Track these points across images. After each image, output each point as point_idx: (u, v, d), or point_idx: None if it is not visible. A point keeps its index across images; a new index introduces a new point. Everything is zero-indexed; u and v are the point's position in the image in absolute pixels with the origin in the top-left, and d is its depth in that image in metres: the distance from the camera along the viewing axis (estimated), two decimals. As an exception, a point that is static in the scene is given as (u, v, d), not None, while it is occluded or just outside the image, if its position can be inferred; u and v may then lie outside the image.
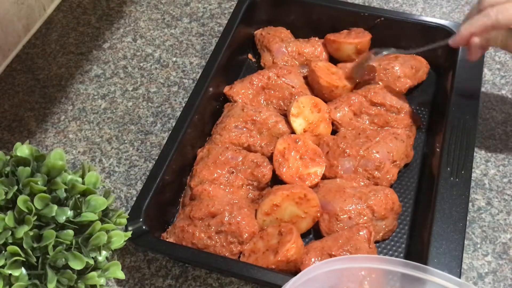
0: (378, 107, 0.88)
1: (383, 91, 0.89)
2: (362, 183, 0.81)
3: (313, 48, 0.96)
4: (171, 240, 0.77)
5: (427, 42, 0.87)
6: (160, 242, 0.74)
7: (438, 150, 0.80)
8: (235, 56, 0.98)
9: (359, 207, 0.76)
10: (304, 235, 0.79)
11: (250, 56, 1.03)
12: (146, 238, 0.72)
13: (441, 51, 0.93)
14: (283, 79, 0.91)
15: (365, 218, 0.76)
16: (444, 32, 0.91)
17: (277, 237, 0.73)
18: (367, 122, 0.88)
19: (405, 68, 0.92)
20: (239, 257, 0.75)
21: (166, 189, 0.79)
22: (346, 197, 0.77)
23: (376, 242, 0.78)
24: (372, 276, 0.62)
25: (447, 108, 0.83)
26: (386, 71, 0.92)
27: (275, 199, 0.77)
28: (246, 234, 0.74)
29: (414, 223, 0.80)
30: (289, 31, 1.01)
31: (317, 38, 0.99)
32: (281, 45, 0.97)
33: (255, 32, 1.02)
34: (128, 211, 0.76)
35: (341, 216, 0.76)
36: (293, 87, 0.91)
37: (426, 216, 0.75)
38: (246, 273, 0.69)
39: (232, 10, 1.10)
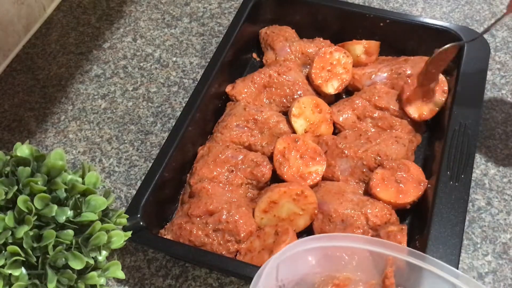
0: (382, 111, 0.88)
1: (388, 95, 0.88)
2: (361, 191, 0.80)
3: (317, 48, 0.96)
4: (168, 237, 0.77)
5: (433, 45, 0.87)
6: (157, 239, 0.74)
7: (438, 153, 0.80)
8: (239, 55, 0.98)
9: (352, 212, 0.76)
10: (298, 236, 0.79)
11: (254, 55, 1.03)
12: (143, 234, 0.73)
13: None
14: (284, 76, 0.91)
15: (358, 223, 0.75)
16: (450, 35, 0.91)
17: (273, 236, 0.73)
18: (371, 125, 0.87)
19: (416, 71, 0.89)
20: (235, 255, 0.75)
21: (165, 186, 0.79)
22: (343, 200, 0.77)
23: None
24: (356, 258, 0.64)
25: (449, 111, 0.82)
26: (398, 75, 0.90)
27: (272, 196, 0.77)
28: (244, 233, 0.75)
29: (412, 226, 0.79)
30: (294, 30, 1.01)
31: (321, 39, 0.99)
32: (285, 44, 0.97)
33: (260, 31, 1.02)
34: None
35: (334, 217, 0.76)
36: (294, 83, 0.91)
37: (424, 220, 0.74)
38: (242, 272, 0.69)
39: (232, 10, 1.10)
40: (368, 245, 0.63)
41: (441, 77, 0.88)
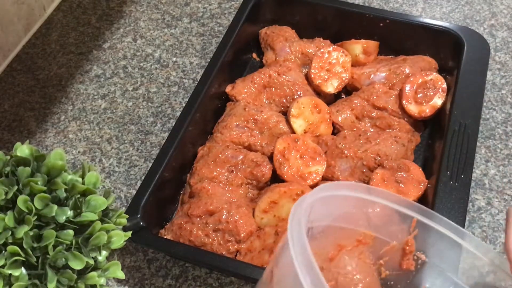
0: (381, 111, 0.88)
1: (387, 95, 0.88)
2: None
3: (317, 48, 0.96)
4: (168, 237, 0.77)
5: (433, 45, 0.86)
6: (157, 239, 0.74)
7: (438, 153, 0.80)
8: (239, 55, 0.98)
9: None
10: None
11: (254, 55, 1.03)
12: (143, 234, 0.73)
13: (446, 53, 0.93)
14: (284, 76, 0.91)
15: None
16: (450, 35, 0.91)
17: (274, 237, 0.73)
18: (369, 125, 0.88)
19: (415, 71, 0.90)
20: (235, 255, 0.75)
21: (165, 186, 0.79)
22: None
23: None
24: (382, 216, 0.59)
25: (449, 111, 0.82)
26: (397, 75, 0.90)
27: (272, 196, 0.77)
28: (244, 233, 0.75)
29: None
30: (294, 30, 1.01)
31: (321, 39, 0.99)
32: (285, 44, 0.97)
33: (260, 31, 1.02)
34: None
35: None
36: (294, 84, 0.91)
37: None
38: (242, 272, 0.69)
39: (232, 10, 1.10)
40: (400, 206, 0.58)
41: (440, 76, 0.88)
